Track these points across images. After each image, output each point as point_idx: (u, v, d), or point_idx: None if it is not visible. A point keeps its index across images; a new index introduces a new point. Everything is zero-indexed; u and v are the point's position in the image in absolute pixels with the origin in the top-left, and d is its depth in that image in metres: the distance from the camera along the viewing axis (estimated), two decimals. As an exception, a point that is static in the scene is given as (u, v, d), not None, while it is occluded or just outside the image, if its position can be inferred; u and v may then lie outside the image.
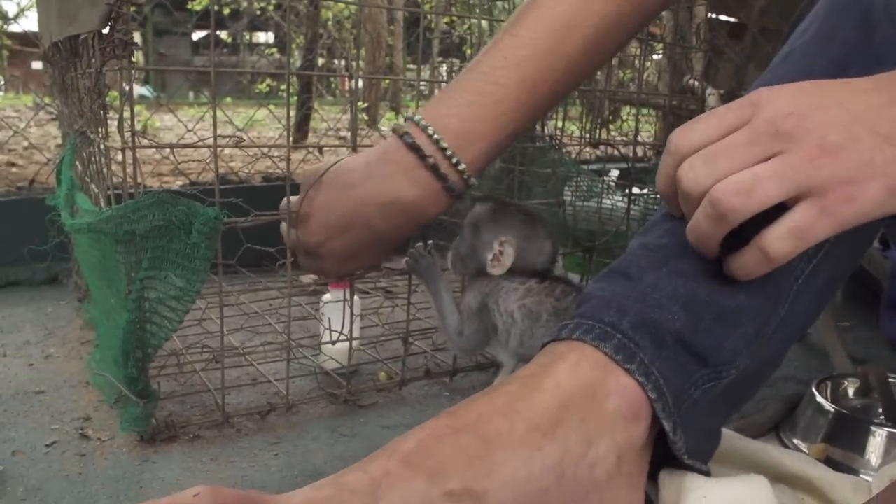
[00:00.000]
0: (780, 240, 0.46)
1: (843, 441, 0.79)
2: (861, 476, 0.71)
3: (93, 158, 1.04)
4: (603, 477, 0.49)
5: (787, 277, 0.56)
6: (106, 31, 0.80)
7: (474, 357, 1.08)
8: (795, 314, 0.58)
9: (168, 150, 1.86)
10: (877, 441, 0.77)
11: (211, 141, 0.84)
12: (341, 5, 5.42)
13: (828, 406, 0.82)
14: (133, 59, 0.79)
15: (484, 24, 1.87)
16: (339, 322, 0.99)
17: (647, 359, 0.52)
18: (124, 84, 0.79)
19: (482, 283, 0.79)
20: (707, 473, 0.56)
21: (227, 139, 0.89)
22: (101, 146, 0.91)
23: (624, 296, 0.55)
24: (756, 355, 0.57)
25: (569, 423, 0.49)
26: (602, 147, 1.61)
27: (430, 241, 0.87)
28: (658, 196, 1.15)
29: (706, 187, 0.48)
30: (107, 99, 0.89)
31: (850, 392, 0.92)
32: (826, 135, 0.45)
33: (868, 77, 0.49)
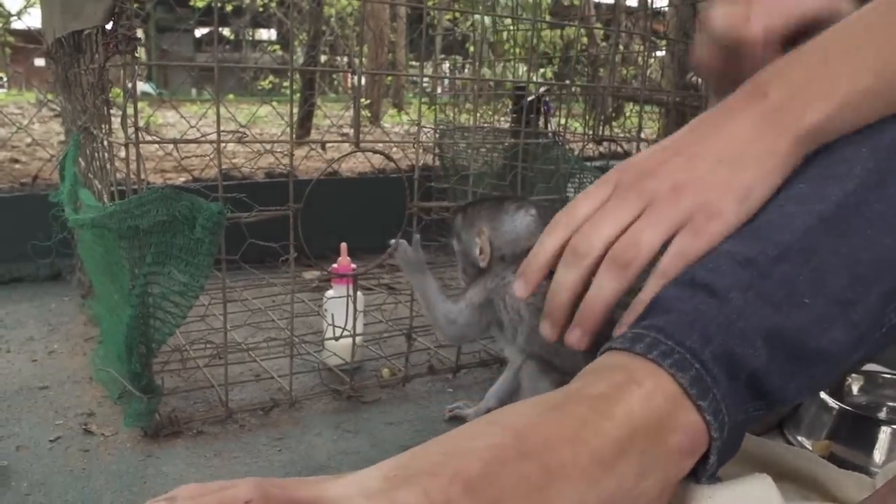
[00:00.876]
0: (671, 264, 0.56)
1: (847, 438, 0.79)
2: (866, 473, 0.71)
3: (96, 154, 1.04)
4: None
5: (874, 327, 0.53)
6: (109, 26, 0.80)
7: (460, 346, 1.07)
8: (863, 358, 0.57)
9: (170, 146, 1.86)
10: (881, 438, 0.77)
11: (214, 136, 0.84)
12: (344, 2, 5.41)
13: (832, 403, 0.82)
14: (136, 55, 0.79)
15: (487, 20, 1.87)
16: (342, 318, 0.99)
17: (719, 395, 0.50)
18: (127, 80, 0.79)
19: (487, 280, 0.79)
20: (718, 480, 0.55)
21: (231, 134, 0.89)
22: (105, 142, 0.91)
23: (708, 318, 0.51)
24: (812, 390, 0.55)
25: (629, 457, 0.47)
26: (605, 144, 1.61)
27: (417, 236, 0.88)
28: None
29: (599, 250, 0.57)
30: (110, 95, 0.89)
31: (855, 389, 0.92)
32: (674, 178, 0.56)
33: (694, 119, 0.59)
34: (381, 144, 2.39)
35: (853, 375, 0.92)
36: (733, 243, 0.55)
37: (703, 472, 0.52)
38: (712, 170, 0.56)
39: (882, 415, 0.89)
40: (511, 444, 0.46)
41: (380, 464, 0.48)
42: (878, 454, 0.76)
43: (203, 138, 0.85)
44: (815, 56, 0.57)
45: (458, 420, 0.91)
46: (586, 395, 0.49)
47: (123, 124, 0.79)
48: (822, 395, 0.84)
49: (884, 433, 0.77)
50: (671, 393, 0.49)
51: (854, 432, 0.79)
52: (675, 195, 0.55)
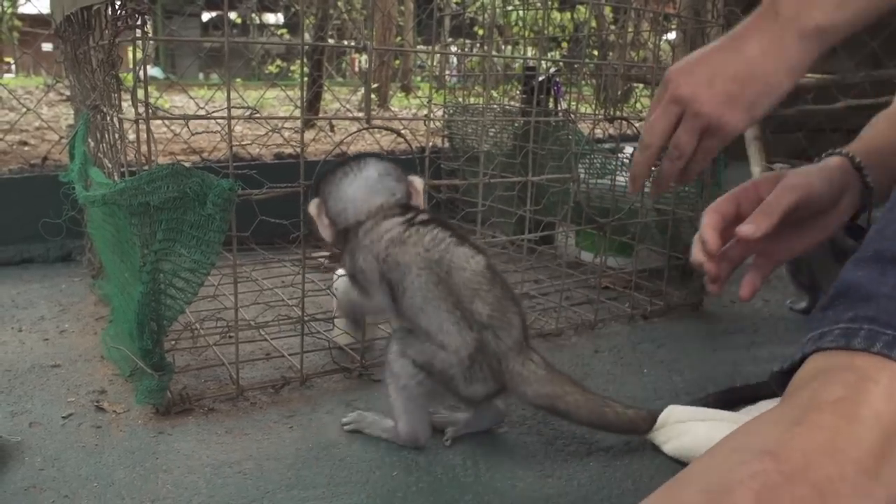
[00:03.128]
0: (699, 158, 0.78)
1: None
2: None
3: (106, 134, 1.03)
4: None
5: None
6: (119, 1, 0.79)
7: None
8: None
9: (180, 128, 1.86)
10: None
11: (224, 114, 0.84)
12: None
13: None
14: (146, 30, 0.79)
15: (497, 0, 1.85)
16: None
17: None
18: (138, 54, 0.78)
19: (352, 251, 0.82)
20: None
21: (241, 111, 0.88)
22: (115, 119, 0.91)
23: None
24: None
25: (890, 459, 0.45)
26: (616, 125, 1.60)
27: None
28: None
29: (657, 144, 0.78)
30: (120, 73, 0.88)
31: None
32: (700, 94, 0.74)
33: (723, 38, 0.76)
34: (392, 123, 2.38)
35: None
36: None
37: None
38: (727, 86, 0.74)
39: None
40: (774, 469, 0.44)
41: None
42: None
43: (214, 113, 0.85)
44: None
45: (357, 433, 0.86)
46: (825, 402, 0.47)
47: (134, 100, 0.79)
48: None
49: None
50: None
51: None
52: (699, 108, 0.74)
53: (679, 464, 0.80)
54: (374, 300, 0.80)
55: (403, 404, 0.80)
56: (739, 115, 0.75)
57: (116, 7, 0.80)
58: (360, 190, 0.80)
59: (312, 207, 0.82)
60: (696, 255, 0.77)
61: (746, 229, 0.71)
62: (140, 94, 0.78)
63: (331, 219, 0.81)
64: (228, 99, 0.83)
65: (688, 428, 0.82)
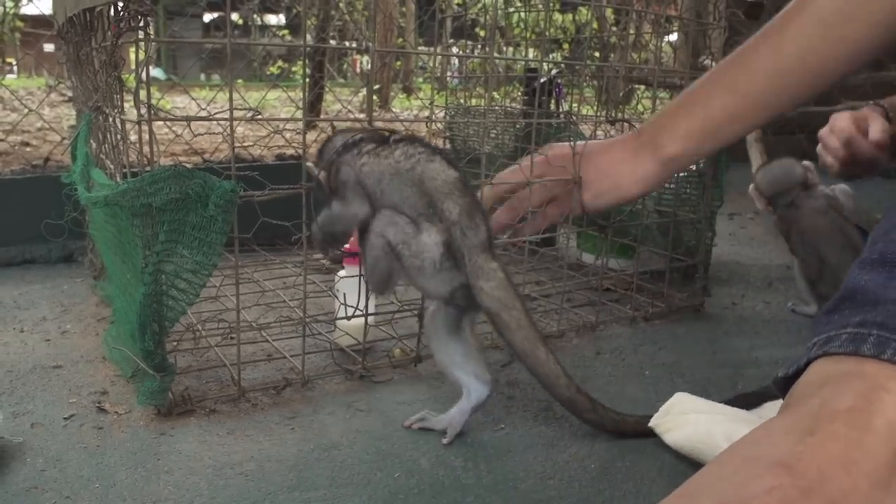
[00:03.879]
0: (538, 221, 1.01)
1: None
2: None
3: (108, 135, 1.03)
4: None
5: None
6: (121, 2, 0.79)
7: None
8: None
9: (181, 130, 1.86)
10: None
11: (227, 115, 0.84)
12: (353, -14, 5.38)
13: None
14: (148, 31, 0.79)
15: (499, 1, 1.85)
16: (354, 298, 0.99)
17: None
18: (140, 55, 0.78)
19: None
20: None
21: (244, 112, 0.89)
22: (117, 120, 0.91)
23: None
24: None
25: None
26: (617, 127, 1.60)
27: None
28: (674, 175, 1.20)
29: None
30: (122, 74, 0.88)
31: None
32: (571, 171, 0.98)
33: (603, 140, 1.01)
34: (393, 125, 2.38)
35: None
36: None
37: None
38: (592, 174, 0.96)
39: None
40: (790, 483, 0.43)
41: None
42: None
43: (217, 114, 0.85)
44: (674, 106, 0.92)
45: (426, 431, 0.87)
46: (836, 412, 0.46)
47: (136, 101, 0.79)
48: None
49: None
50: None
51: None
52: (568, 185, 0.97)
53: (678, 462, 0.80)
54: (353, 206, 0.85)
55: (370, 271, 0.86)
56: (586, 197, 0.96)
57: (119, 8, 0.80)
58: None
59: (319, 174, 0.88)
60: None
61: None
62: (142, 95, 0.78)
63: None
64: (231, 100, 0.83)
65: (689, 420, 0.82)
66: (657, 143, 0.92)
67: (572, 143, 0.98)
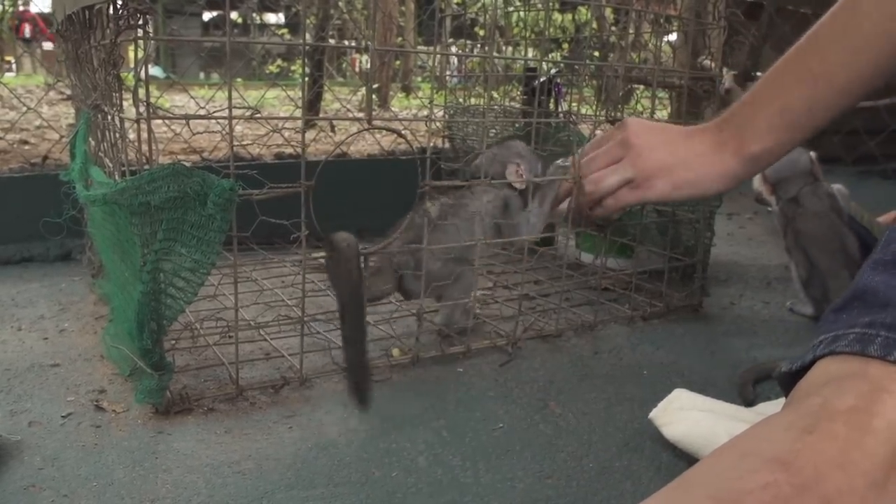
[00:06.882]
0: (610, 203, 0.92)
1: None
2: None
3: (106, 133, 1.03)
4: None
5: None
6: (120, 0, 0.79)
7: (468, 327, 1.08)
8: None
9: (180, 128, 1.86)
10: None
11: (226, 113, 0.83)
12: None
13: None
14: (147, 29, 0.79)
15: (499, 0, 1.85)
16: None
17: None
18: (140, 53, 0.78)
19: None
20: None
21: (243, 110, 0.88)
22: (116, 118, 0.91)
23: None
24: None
25: None
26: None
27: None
28: None
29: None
30: (121, 73, 0.88)
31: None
32: (642, 155, 0.89)
33: (682, 128, 0.90)
34: (393, 124, 2.38)
35: None
36: None
37: None
38: (668, 160, 0.88)
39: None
40: (785, 480, 0.43)
41: None
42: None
43: (216, 112, 0.85)
44: (751, 98, 0.84)
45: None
46: (837, 411, 0.46)
47: (135, 100, 0.79)
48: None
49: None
50: None
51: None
52: (639, 162, 0.89)
53: (676, 461, 0.80)
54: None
55: None
56: (663, 186, 0.89)
57: (118, 6, 0.80)
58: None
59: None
60: None
61: None
62: (141, 93, 0.78)
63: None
64: (230, 98, 0.83)
65: (687, 416, 0.83)
66: (741, 138, 0.84)
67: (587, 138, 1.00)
